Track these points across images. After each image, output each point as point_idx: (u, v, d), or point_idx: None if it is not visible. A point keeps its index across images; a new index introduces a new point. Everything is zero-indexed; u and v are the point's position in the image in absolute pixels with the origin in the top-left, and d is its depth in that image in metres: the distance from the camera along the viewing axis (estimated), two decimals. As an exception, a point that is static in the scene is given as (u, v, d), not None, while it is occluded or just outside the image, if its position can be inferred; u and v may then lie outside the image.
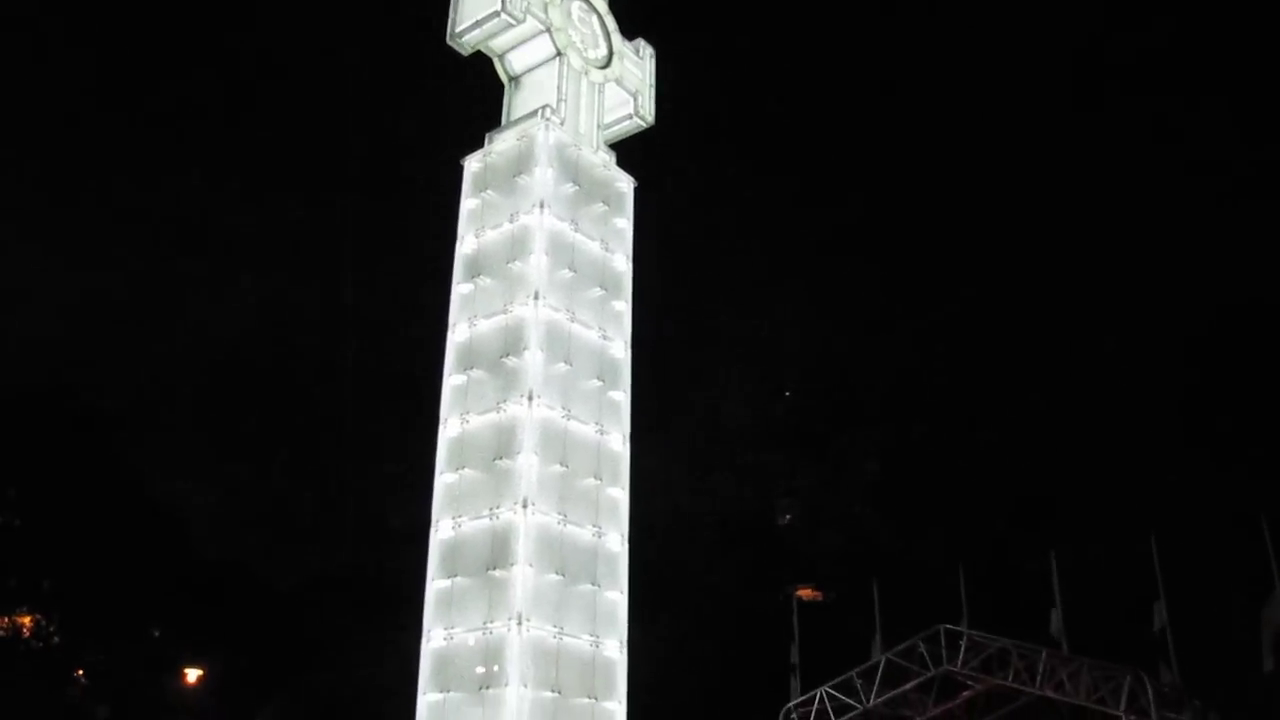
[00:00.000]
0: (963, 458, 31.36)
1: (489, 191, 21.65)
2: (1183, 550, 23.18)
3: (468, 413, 20.68)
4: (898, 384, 31.84)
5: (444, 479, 20.53)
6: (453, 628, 19.51)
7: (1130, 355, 29.55)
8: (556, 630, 19.37)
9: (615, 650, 20.43)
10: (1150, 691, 18.73)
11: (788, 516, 35.49)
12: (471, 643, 19.29)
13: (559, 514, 19.94)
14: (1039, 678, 19.86)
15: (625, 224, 22.68)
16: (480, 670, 19.15)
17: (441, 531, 20.19)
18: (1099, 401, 29.51)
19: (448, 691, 19.15)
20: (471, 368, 20.82)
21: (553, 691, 19.02)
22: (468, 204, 21.84)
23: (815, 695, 21.50)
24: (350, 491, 28.39)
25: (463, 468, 20.39)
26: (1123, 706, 18.91)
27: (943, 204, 34.02)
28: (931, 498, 31.17)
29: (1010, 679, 20.35)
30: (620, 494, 21.35)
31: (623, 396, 21.96)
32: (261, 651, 26.42)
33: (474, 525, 19.84)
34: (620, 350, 22.05)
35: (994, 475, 30.59)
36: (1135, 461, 28.60)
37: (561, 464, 20.28)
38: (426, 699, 19.32)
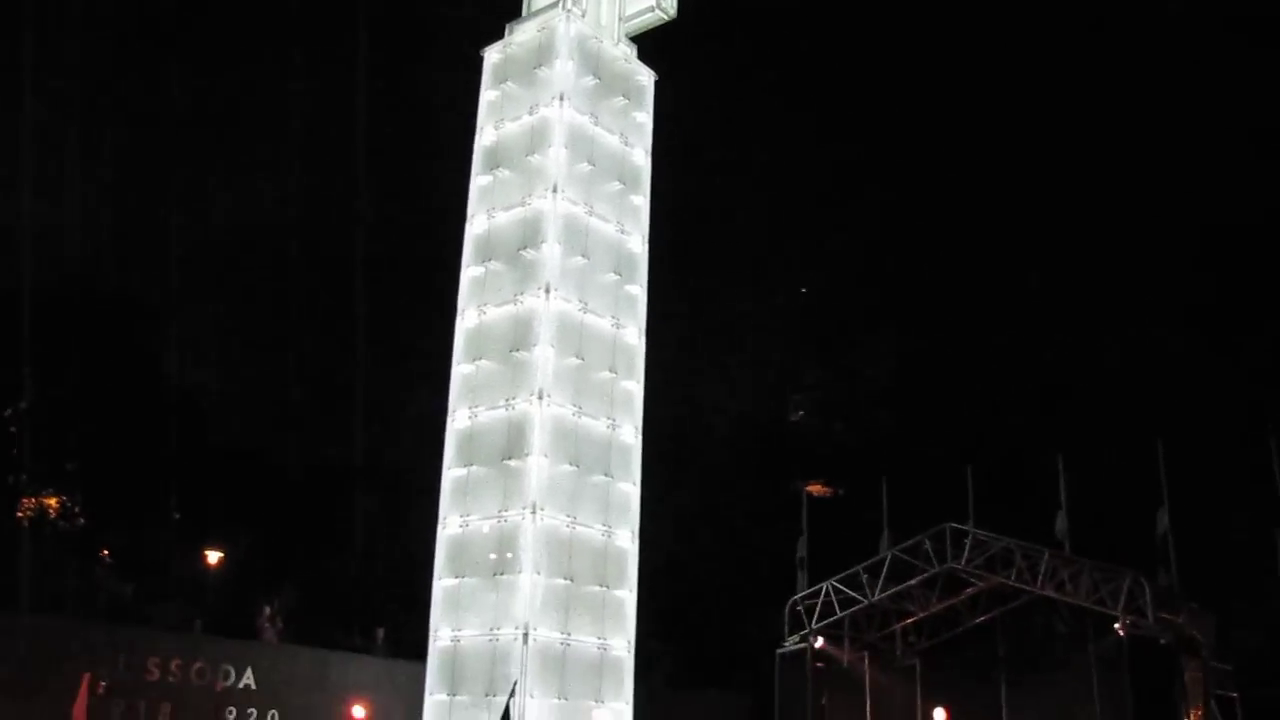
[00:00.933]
0: (975, 360, 31.42)
1: (509, 83, 21.52)
2: (1189, 459, 23.32)
3: (485, 304, 20.82)
4: (914, 286, 31.81)
5: (461, 369, 20.75)
6: (468, 515, 19.91)
7: (1146, 263, 29.38)
8: (570, 519, 19.71)
9: (627, 540, 20.80)
10: (1148, 593, 19.04)
11: (800, 413, 35.73)
12: (486, 530, 19.69)
13: (574, 406, 20.16)
14: (1040, 577, 20.20)
15: (645, 118, 22.54)
16: (494, 557, 19.59)
17: (458, 421, 20.46)
18: (1112, 308, 29.47)
19: (462, 577, 19.61)
20: (489, 260, 20.90)
21: (565, 579, 19.45)
22: (487, 96, 21.72)
23: (822, 588, 21.94)
24: (369, 382, 28.69)
25: (479, 359, 20.59)
26: (1120, 607, 19.23)
27: (963, 111, 33.52)
28: (943, 399, 31.34)
29: (1013, 578, 20.70)
30: (635, 387, 21.53)
31: (639, 291, 22.04)
32: (281, 536, 26.95)
33: (490, 415, 20.10)
34: (638, 245, 22.07)
35: (1005, 378, 30.69)
36: (1146, 369, 28.64)
37: (577, 356, 20.44)
38: (442, 584, 19.79)
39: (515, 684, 14.69)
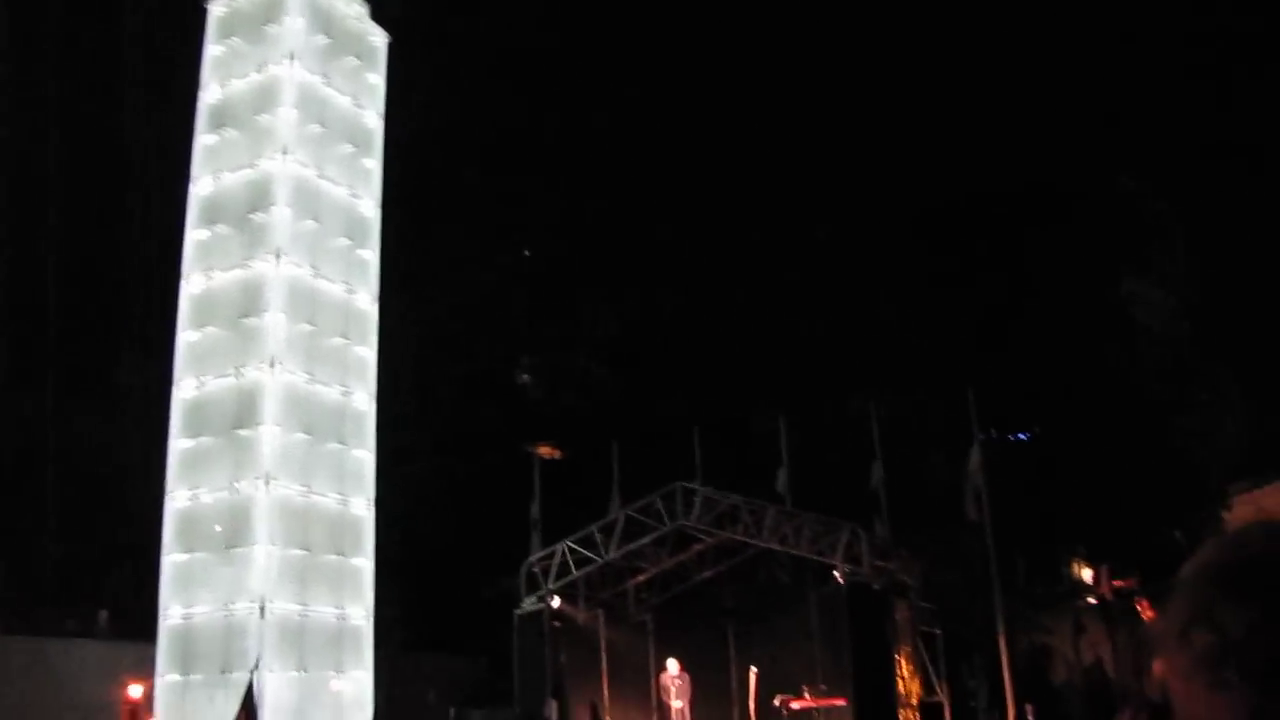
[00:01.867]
0: (699, 324, 32.37)
1: (235, 39, 20.76)
2: (897, 417, 24.95)
3: (211, 269, 20.16)
4: (640, 248, 32.45)
5: (186, 337, 20.02)
6: (198, 488, 19.28)
7: (859, 232, 31.01)
8: (305, 489, 19.42)
9: (363, 508, 20.67)
10: (864, 543, 20.30)
11: (527, 376, 35.93)
12: (212, 501, 19.15)
13: (307, 373, 19.83)
14: (765, 531, 21.16)
15: (378, 80, 22.25)
16: (219, 529, 19.07)
17: (184, 391, 19.76)
18: (830, 277, 30.94)
19: (193, 551, 18.99)
20: (216, 223, 20.21)
21: (302, 549, 19.16)
22: (212, 51, 20.87)
23: (556, 549, 22.18)
24: (82, 352, 27.01)
25: (206, 325, 19.94)
26: (839, 556, 20.39)
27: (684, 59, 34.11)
28: (669, 361, 32.16)
29: (740, 532, 21.57)
30: (368, 353, 21.35)
31: (371, 255, 21.82)
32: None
33: (219, 384, 19.52)
34: (370, 209, 21.83)
35: (729, 340, 31.76)
36: (858, 332, 30.27)
37: (309, 323, 20.10)
38: (171, 559, 19.11)
39: (258, 658, 14.37)
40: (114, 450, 26.16)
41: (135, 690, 7.96)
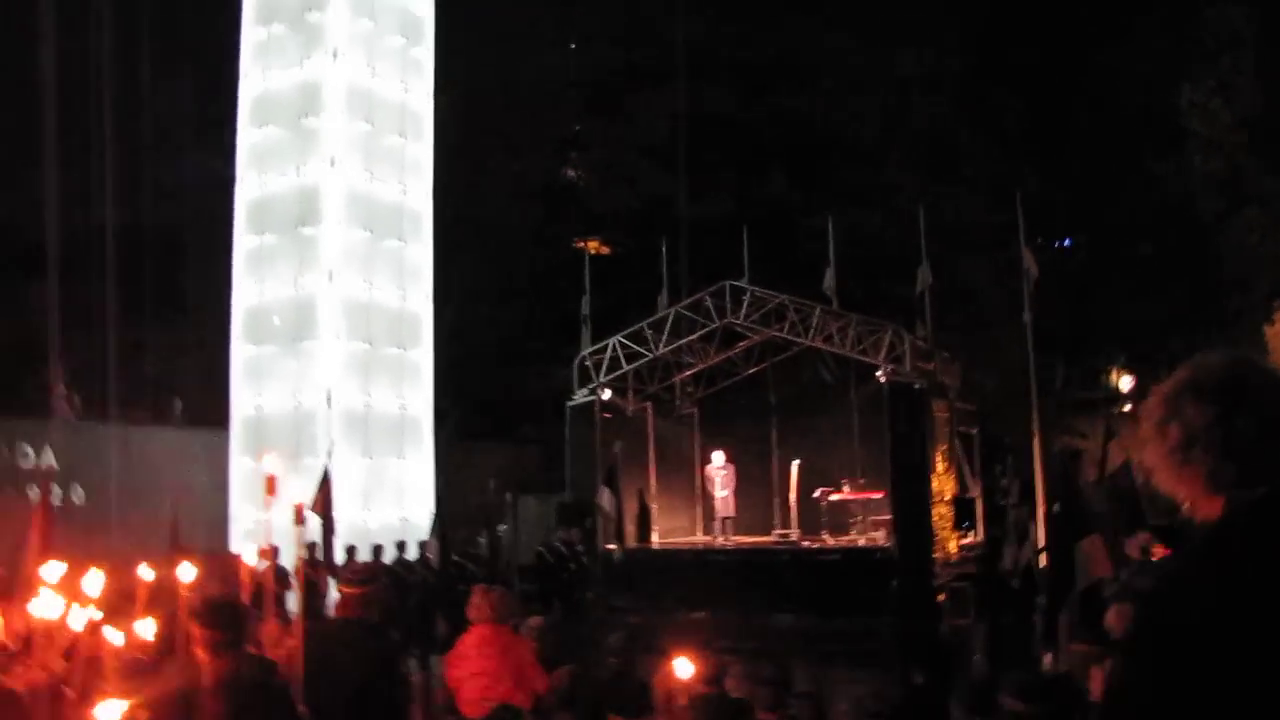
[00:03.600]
0: (750, 121, 32.23)
1: None
2: (945, 221, 25.07)
3: (269, 68, 20.39)
4: (690, 45, 32.02)
5: (247, 136, 20.44)
6: (264, 283, 19.99)
7: (912, 36, 30.30)
8: (366, 285, 20.09)
9: (420, 303, 21.35)
10: (907, 344, 20.79)
11: (577, 172, 36.09)
12: (277, 298, 19.86)
13: (367, 172, 20.25)
14: (811, 330, 21.68)
15: None
16: (277, 322, 19.84)
17: (248, 190, 20.30)
18: (882, 76, 30.50)
19: (261, 345, 19.85)
20: (272, 23, 20.34)
21: (364, 343, 19.95)
22: None
23: (608, 344, 22.82)
24: (138, 140, 27.36)
25: (266, 124, 20.31)
26: (882, 356, 20.93)
27: None
28: (718, 158, 32.19)
29: (786, 331, 22.10)
30: (424, 150, 21.70)
31: (425, 54, 21.91)
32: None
33: (282, 182, 20.02)
34: (423, 7, 21.83)
35: (779, 139, 31.65)
36: (908, 135, 30.07)
37: (367, 121, 20.40)
38: (241, 352, 20.02)
39: (331, 444, 15.31)
40: (182, 244, 26.93)
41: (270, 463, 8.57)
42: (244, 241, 20.15)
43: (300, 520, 6.34)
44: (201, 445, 20.68)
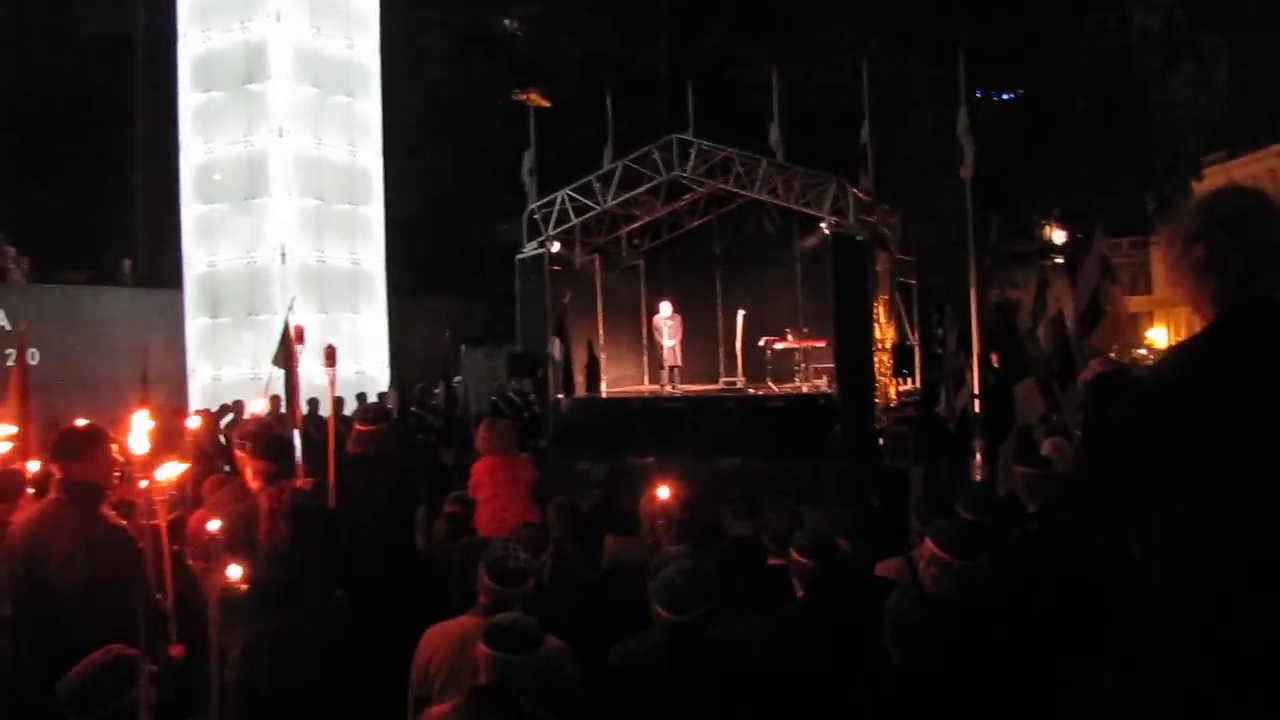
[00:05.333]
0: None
1: None
2: (888, 74, 25.34)
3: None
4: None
5: (186, -7, 20.14)
6: (212, 140, 19.94)
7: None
8: (316, 141, 20.11)
9: (370, 158, 21.41)
10: (850, 197, 21.25)
11: (516, 23, 35.62)
12: (227, 154, 19.84)
13: (313, 27, 20.10)
14: (757, 183, 22.05)
15: None
16: (217, 178, 19.84)
17: (191, 46, 20.09)
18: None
19: (212, 203, 19.88)
20: None
21: (316, 199, 20.06)
22: None
23: (556, 197, 23.06)
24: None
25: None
26: (825, 209, 21.38)
27: None
28: (659, 11, 31.99)
29: (732, 183, 22.46)
30: (369, 4, 21.53)
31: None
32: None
33: (226, 38, 19.83)
34: None
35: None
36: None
37: (312, -25, 20.14)
38: (191, 211, 20.03)
39: (292, 300, 15.55)
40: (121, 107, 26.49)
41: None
42: (190, 99, 19.99)
43: (331, 362, 6.78)
44: (154, 305, 20.83)
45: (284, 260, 19.24)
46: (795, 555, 5.02)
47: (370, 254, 21.22)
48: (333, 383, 6.80)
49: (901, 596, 4.18)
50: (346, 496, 5.92)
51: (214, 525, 4.05)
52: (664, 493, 6.15)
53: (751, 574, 5.60)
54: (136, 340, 18.78)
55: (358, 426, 6.67)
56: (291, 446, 5.88)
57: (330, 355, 6.84)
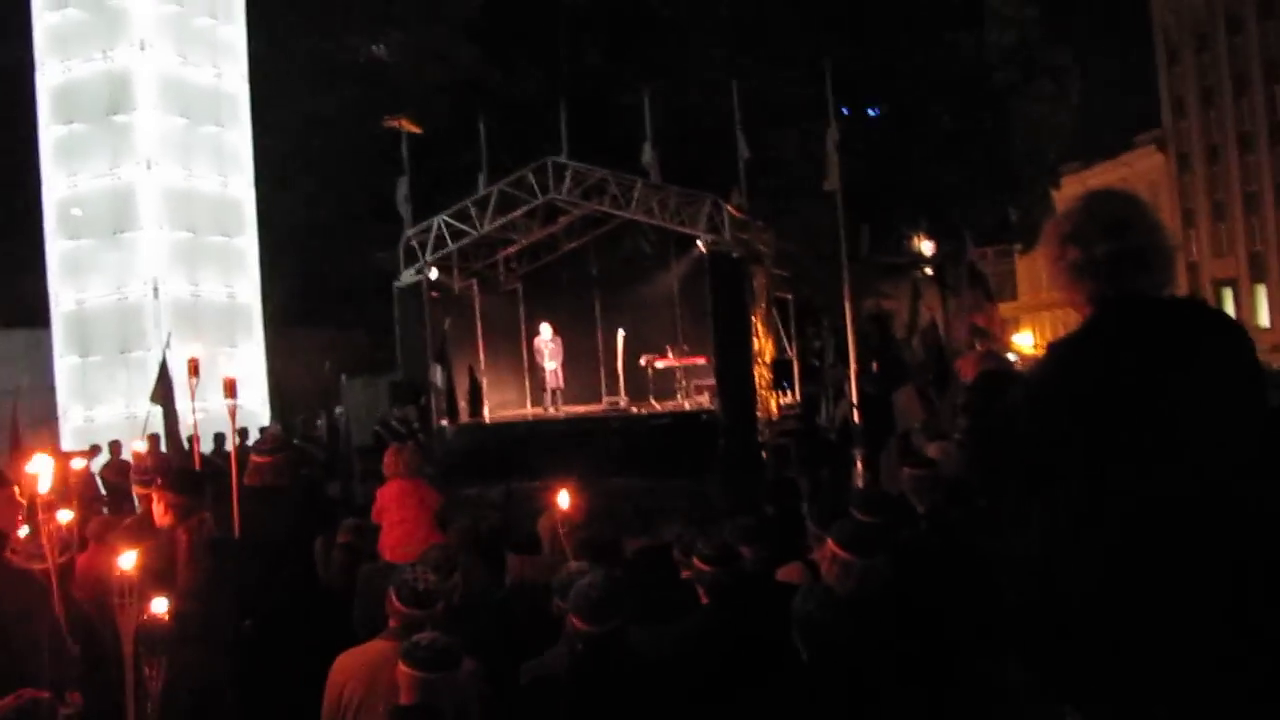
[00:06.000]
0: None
1: None
2: (757, 93, 25.76)
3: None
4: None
5: (44, 19, 19.68)
6: (76, 175, 19.48)
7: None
8: (186, 171, 19.79)
9: (243, 189, 21.13)
10: (725, 215, 21.59)
11: (385, 49, 35.33)
12: (98, 188, 19.40)
13: (179, 56, 19.79)
14: (633, 203, 22.25)
15: None
16: (77, 213, 19.39)
17: (50, 76, 19.62)
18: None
19: (79, 239, 19.40)
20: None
21: (188, 231, 19.72)
22: None
23: (433, 223, 22.89)
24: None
25: (66, 6, 19.58)
26: (702, 227, 21.69)
27: None
28: (531, 35, 32.05)
29: (608, 205, 22.62)
30: (237, 33, 21.28)
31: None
32: None
33: (88, 68, 19.42)
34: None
35: (591, 14, 31.68)
36: (720, 8, 30.48)
37: (177, 4, 19.87)
38: (57, 246, 19.52)
39: (169, 336, 15.30)
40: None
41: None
42: (50, 131, 19.50)
43: (231, 394, 6.73)
44: (20, 345, 20.24)
45: (156, 295, 18.86)
46: (698, 563, 5.15)
47: (246, 286, 20.91)
48: (233, 414, 6.76)
49: (808, 596, 4.32)
50: (247, 528, 5.90)
51: (127, 561, 4.00)
52: (564, 501, 6.27)
53: (661, 584, 5.72)
54: (4, 383, 18.27)
55: (255, 458, 6.63)
56: (204, 480, 5.83)
57: (230, 388, 6.79)
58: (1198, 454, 2.87)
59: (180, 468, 5.87)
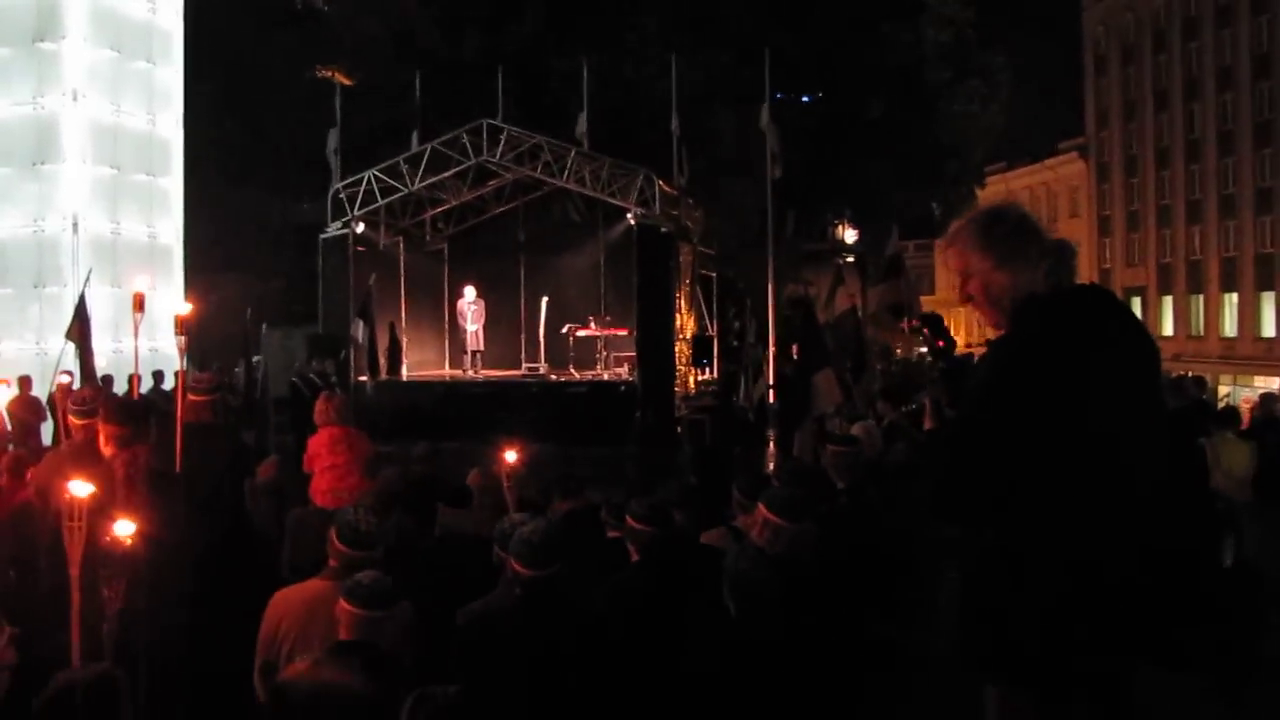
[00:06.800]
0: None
1: None
2: (695, 71, 25.88)
3: None
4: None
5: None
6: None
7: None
8: (114, 106, 19.43)
9: (171, 128, 20.79)
10: (656, 189, 21.76)
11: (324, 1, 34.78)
12: (21, 116, 18.96)
13: (112, -11, 19.37)
14: (566, 172, 22.32)
15: None
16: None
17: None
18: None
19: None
20: None
21: (111, 167, 19.38)
22: None
23: (364, 177, 22.76)
24: None
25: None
26: (632, 200, 21.84)
27: None
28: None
29: (540, 171, 22.68)
30: (172, -30, 20.87)
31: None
32: None
33: (18, -5, 18.91)
34: None
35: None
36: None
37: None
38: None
39: (89, 272, 15.08)
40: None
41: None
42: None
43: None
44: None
45: (76, 230, 18.51)
46: (631, 521, 5.33)
47: (168, 228, 20.60)
48: (182, 352, 6.78)
49: (741, 556, 4.54)
50: (187, 462, 5.94)
51: (79, 488, 4.05)
52: (511, 457, 6.48)
53: (592, 541, 5.90)
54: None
55: (192, 397, 6.66)
56: (146, 412, 5.86)
57: (180, 324, 6.80)
58: (1138, 441, 3.09)
59: (121, 397, 5.87)
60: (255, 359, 19.53)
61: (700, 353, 23.42)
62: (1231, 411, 13.37)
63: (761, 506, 4.76)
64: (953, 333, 3.91)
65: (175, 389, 6.73)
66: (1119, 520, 3.04)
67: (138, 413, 5.63)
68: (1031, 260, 3.21)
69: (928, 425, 3.63)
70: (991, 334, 3.33)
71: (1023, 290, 3.19)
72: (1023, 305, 3.17)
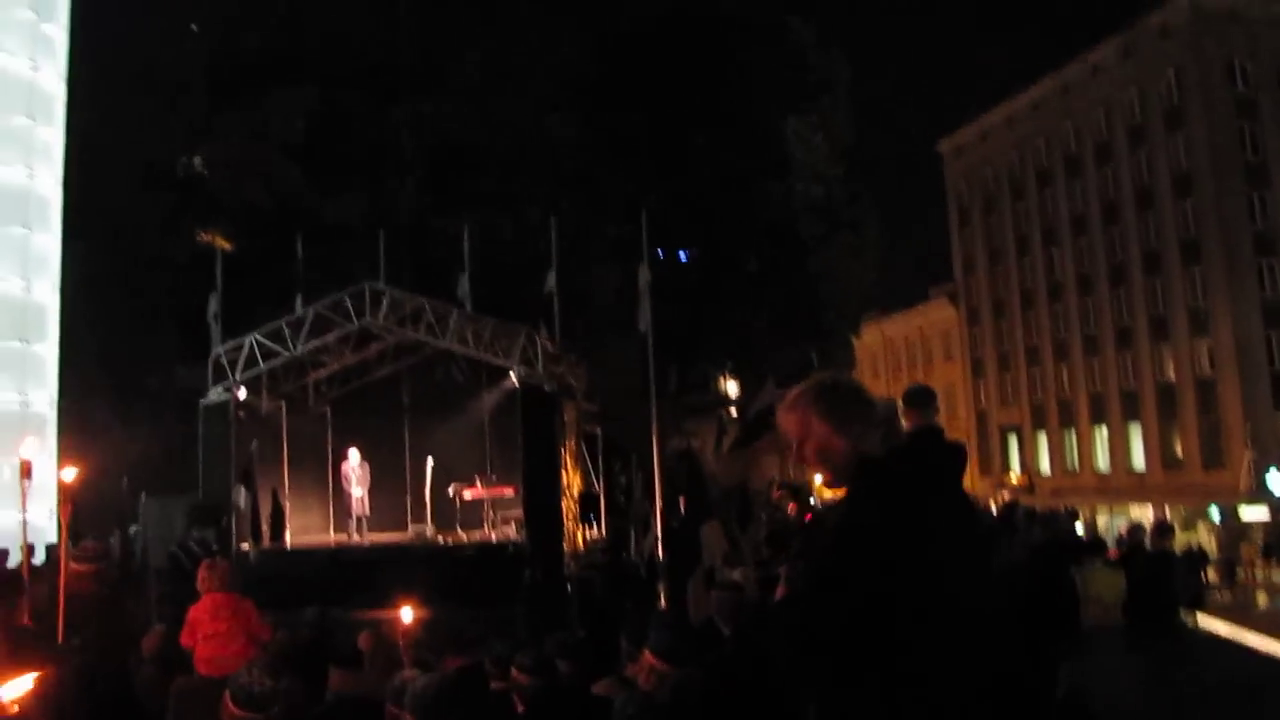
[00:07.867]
0: (385, 125, 32.57)
1: None
2: (573, 229, 26.61)
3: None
4: (328, 46, 31.97)
5: None
6: None
7: (540, 51, 31.66)
8: (-12, 275, 19.19)
9: (47, 294, 20.60)
10: (539, 347, 22.07)
11: (199, 161, 34.96)
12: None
13: (-12, 157, 19.34)
14: (449, 333, 22.50)
15: None
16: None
17: None
18: (512, 95, 31.62)
19: None
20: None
21: (-15, 335, 19.04)
22: None
23: (245, 341, 22.63)
24: None
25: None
26: (515, 359, 22.07)
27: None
28: (353, 160, 32.28)
29: (423, 332, 22.83)
30: (54, 135, 20.94)
31: (58, 31, 21.15)
32: None
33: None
34: (55, -12, 21.03)
35: (414, 145, 32.21)
36: (538, 147, 31.42)
37: (-7, 105, 19.48)
38: None
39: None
40: None
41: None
42: None
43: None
44: None
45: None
46: (517, 674, 5.42)
47: (42, 395, 20.22)
48: (65, 521, 6.71)
49: (628, 702, 4.64)
50: (70, 634, 5.86)
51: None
52: (407, 616, 6.52)
53: (476, 698, 5.93)
54: None
55: (75, 566, 6.58)
56: (21, 579, 5.78)
57: (64, 491, 6.74)
58: (974, 583, 3.35)
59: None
60: (132, 528, 19.09)
61: (587, 509, 23.47)
62: (1099, 543, 13.93)
63: (646, 653, 4.91)
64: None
65: (60, 557, 6.62)
66: (970, 669, 3.25)
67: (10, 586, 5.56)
68: (868, 424, 3.48)
69: (779, 593, 3.71)
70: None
71: (859, 453, 3.45)
72: (857, 466, 3.43)
